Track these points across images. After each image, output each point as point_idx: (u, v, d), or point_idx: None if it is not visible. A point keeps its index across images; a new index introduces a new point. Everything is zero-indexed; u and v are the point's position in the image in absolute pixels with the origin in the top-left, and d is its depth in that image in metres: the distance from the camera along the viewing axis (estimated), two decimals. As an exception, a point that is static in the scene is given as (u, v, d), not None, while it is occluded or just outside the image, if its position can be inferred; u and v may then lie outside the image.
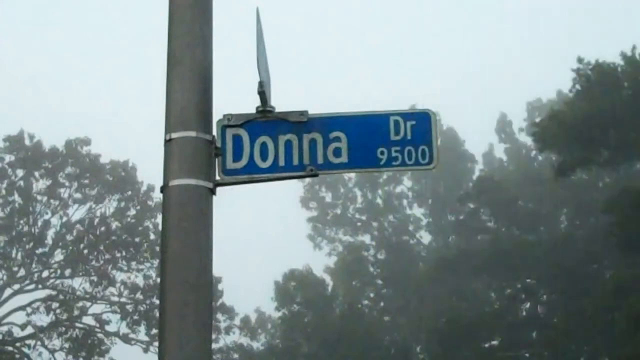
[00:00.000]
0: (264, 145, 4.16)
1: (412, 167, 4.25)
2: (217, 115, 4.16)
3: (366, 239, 49.39)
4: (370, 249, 49.06)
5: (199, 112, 4.07)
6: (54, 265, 37.94)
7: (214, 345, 37.03)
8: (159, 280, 9.34)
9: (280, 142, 4.17)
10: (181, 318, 3.76)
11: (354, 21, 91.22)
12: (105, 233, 38.06)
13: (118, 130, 71.61)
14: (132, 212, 38.91)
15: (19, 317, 36.56)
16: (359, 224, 49.50)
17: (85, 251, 37.86)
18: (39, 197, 38.07)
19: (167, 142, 4.03)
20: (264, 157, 4.15)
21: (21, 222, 37.70)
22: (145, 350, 37.34)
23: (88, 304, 37.82)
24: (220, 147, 4.12)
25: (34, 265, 37.53)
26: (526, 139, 46.67)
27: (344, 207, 49.34)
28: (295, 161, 4.16)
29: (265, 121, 4.20)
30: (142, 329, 37.66)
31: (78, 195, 38.50)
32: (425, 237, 49.98)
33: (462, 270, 39.88)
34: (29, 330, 36.47)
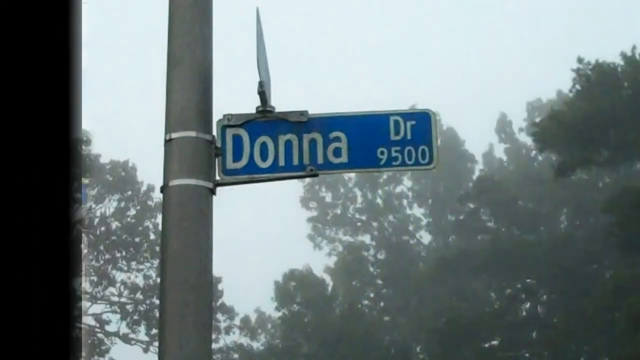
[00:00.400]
0: (264, 145, 4.16)
1: (412, 167, 4.24)
2: (217, 115, 4.16)
3: (366, 239, 49.41)
4: (370, 249, 49.05)
5: (199, 112, 4.07)
6: (54, 265, 37.92)
7: (214, 345, 37.02)
8: (159, 280, 9.33)
9: (280, 142, 4.16)
10: (181, 318, 3.75)
11: (354, 21, 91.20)
12: (105, 233, 38.05)
13: (118, 130, 71.48)
14: (132, 212, 38.89)
15: (19, 317, 36.54)
16: (359, 224, 49.48)
17: (85, 251, 37.84)
18: (39, 197, 38.02)
19: (167, 142, 4.03)
20: (264, 157, 4.14)
21: (21, 222, 37.67)
22: (145, 350, 37.33)
23: (88, 304, 37.80)
24: (220, 147, 4.11)
25: (34, 265, 37.49)
26: (526, 139, 46.69)
27: (344, 207, 49.32)
28: (295, 161, 4.15)
29: (265, 121, 4.19)
30: (142, 329, 37.66)
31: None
32: (425, 237, 50.02)
33: (462, 270, 39.89)
34: (29, 330, 36.44)
